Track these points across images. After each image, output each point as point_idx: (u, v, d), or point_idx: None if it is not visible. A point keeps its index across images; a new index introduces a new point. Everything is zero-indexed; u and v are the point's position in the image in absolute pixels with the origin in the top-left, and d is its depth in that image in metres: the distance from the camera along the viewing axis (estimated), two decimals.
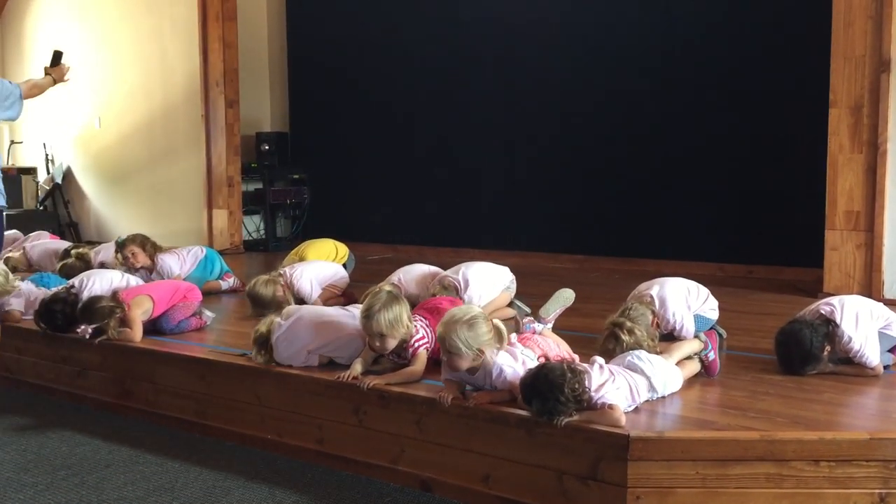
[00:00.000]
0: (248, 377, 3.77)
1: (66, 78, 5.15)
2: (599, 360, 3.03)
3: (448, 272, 4.70)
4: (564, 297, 3.89)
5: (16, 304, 4.90)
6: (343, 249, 5.85)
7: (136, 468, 3.49)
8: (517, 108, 7.56)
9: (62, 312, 4.53)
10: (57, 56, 5.02)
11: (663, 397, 3.13)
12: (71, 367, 4.53)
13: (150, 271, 5.62)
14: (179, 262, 5.67)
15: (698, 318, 3.86)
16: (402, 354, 3.50)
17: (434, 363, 3.44)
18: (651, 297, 3.80)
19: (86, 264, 5.85)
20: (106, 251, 6.14)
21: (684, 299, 3.85)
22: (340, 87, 8.82)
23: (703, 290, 3.99)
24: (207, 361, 3.97)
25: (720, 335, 4.06)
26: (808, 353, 3.40)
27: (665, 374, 3.14)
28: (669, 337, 3.69)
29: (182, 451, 3.66)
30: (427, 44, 8.11)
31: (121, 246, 5.69)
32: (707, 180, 6.63)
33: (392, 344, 3.42)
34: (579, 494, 2.81)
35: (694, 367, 3.40)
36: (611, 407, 2.82)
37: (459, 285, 4.53)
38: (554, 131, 7.38)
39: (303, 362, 3.65)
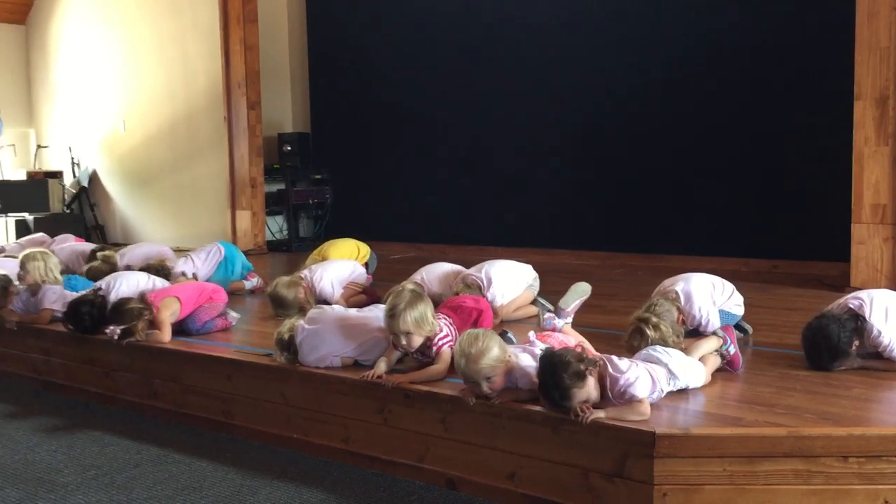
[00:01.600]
0: (274, 377, 3.79)
1: None
2: (616, 356, 3.02)
3: (471, 270, 4.70)
4: (582, 290, 3.89)
5: (51, 304, 4.96)
6: (365, 249, 5.87)
7: (164, 468, 3.52)
8: (538, 104, 7.54)
9: (89, 314, 4.58)
10: None
11: (686, 390, 3.12)
12: (99, 369, 4.58)
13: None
14: (190, 267, 5.69)
15: (724, 314, 3.83)
16: (426, 353, 3.51)
17: None
18: (676, 292, 3.79)
19: (111, 266, 5.91)
20: (131, 254, 6.20)
21: (709, 295, 3.83)
22: (361, 88, 8.84)
23: (729, 286, 3.96)
24: (233, 361, 4.00)
25: (745, 330, 4.04)
26: (836, 348, 3.37)
27: (683, 361, 3.14)
28: (695, 333, 3.67)
29: (209, 451, 3.70)
30: (447, 43, 8.12)
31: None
32: (731, 174, 6.59)
33: (417, 342, 3.44)
34: (605, 492, 2.80)
35: (716, 362, 3.38)
36: (638, 401, 2.82)
37: (482, 283, 4.53)
38: (575, 127, 7.36)
39: (327, 364, 3.67)
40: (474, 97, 7.96)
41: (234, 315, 4.77)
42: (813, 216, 6.17)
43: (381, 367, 3.47)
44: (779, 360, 3.62)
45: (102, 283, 4.98)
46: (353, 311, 3.97)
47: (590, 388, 2.85)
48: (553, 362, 2.88)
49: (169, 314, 4.42)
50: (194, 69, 9.29)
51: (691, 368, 3.16)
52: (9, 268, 5.68)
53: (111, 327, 4.36)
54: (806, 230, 6.23)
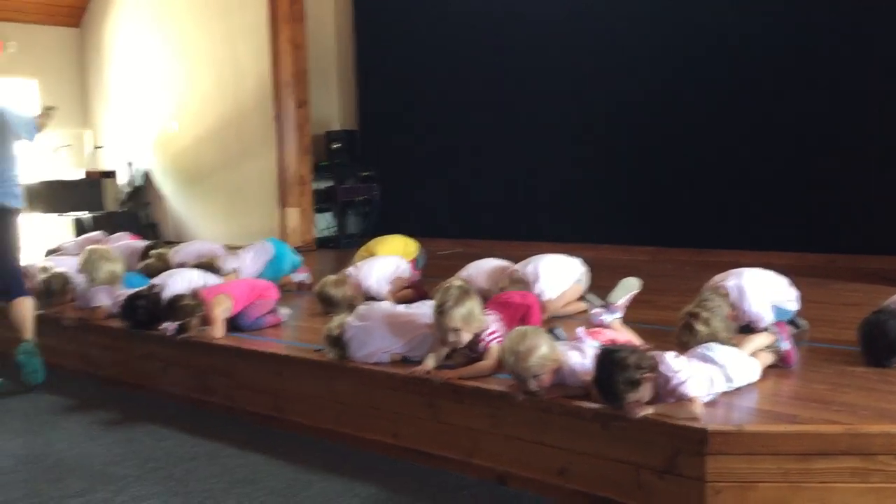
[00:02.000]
0: (324, 373, 3.84)
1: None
2: (671, 352, 2.99)
3: (518, 265, 4.69)
4: (630, 285, 3.86)
5: (102, 301, 5.08)
6: (413, 245, 5.89)
7: (219, 461, 3.59)
8: (585, 100, 7.49)
9: (144, 309, 4.69)
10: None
11: (740, 389, 3.07)
12: (154, 364, 4.69)
13: None
14: (238, 264, 5.79)
15: (777, 310, 3.77)
16: (475, 349, 3.52)
17: None
18: (728, 288, 3.73)
19: (165, 264, 6.03)
20: (184, 251, 6.32)
21: (762, 290, 3.77)
22: (408, 84, 8.88)
23: (783, 281, 3.89)
24: (284, 357, 4.06)
25: (799, 326, 3.96)
26: (894, 343, 3.29)
27: (740, 363, 3.09)
28: (747, 329, 3.62)
29: (262, 445, 3.76)
30: (493, 39, 8.10)
31: None
32: (785, 166, 6.45)
33: (466, 338, 3.45)
34: (657, 488, 2.78)
35: (768, 358, 3.33)
36: (690, 400, 2.78)
37: (529, 279, 4.52)
38: (623, 121, 7.29)
39: (376, 360, 3.70)
40: (521, 93, 7.93)
41: (284, 312, 4.83)
42: (872, 209, 6.02)
43: (430, 362, 3.49)
44: (835, 356, 3.55)
45: (157, 280, 5.09)
46: (401, 308, 4.00)
47: (643, 392, 2.82)
48: (611, 361, 2.83)
49: (221, 311, 4.50)
50: (243, 69, 9.42)
51: (747, 369, 3.11)
52: (66, 265, 5.84)
53: (166, 324, 4.45)
54: (864, 223, 6.08)
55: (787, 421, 2.78)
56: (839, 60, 6.12)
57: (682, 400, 2.79)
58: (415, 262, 5.65)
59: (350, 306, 4.41)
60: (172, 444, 3.85)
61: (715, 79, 6.72)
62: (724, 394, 3.01)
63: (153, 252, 6.31)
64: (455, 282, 3.90)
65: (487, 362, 3.43)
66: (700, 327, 3.30)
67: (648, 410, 2.79)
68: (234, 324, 4.57)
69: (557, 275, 4.60)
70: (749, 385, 3.12)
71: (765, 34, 6.46)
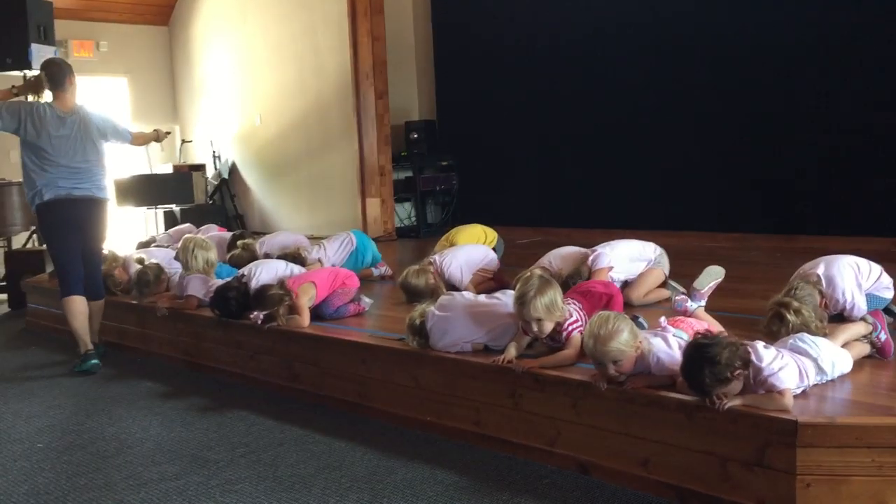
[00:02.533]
0: (407, 361, 3.89)
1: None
2: (761, 342, 2.92)
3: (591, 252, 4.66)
4: (716, 272, 3.79)
5: (195, 291, 5.26)
6: (492, 234, 5.91)
7: (306, 447, 3.69)
8: (666, 84, 7.35)
9: (235, 300, 4.84)
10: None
11: (833, 381, 2.99)
12: (244, 352, 4.83)
13: None
14: (321, 255, 5.89)
15: (871, 298, 3.64)
16: (556, 338, 3.51)
17: None
18: (818, 276, 3.63)
19: (251, 254, 6.20)
20: (270, 242, 6.48)
21: (854, 277, 3.65)
22: (486, 74, 8.87)
23: (876, 268, 3.76)
24: (367, 346, 4.13)
25: (895, 315, 3.82)
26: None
27: (833, 355, 3.00)
28: (839, 318, 3.51)
29: (347, 432, 3.84)
30: (570, 30, 8.03)
31: None
32: (877, 146, 6.20)
33: (548, 328, 3.44)
34: (744, 481, 2.73)
35: (863, 349, 3.22)
36: (780, 392, 2.71)
37: (602, 264, 4.48)
38: (705, 105, 7.12)
39: (458, 350, 3.74)
40: (599, 81, 7.83)
41: (367, 301, 4.91)
42: None
43: (512, 352, 3.50)
44: None
45: (245, 271, 5.24)
46: (482, 298, 4.02)
47: (732, 387, 2.76)
48: (701, 357, 2.76)
49: (307, 299, 4.60)
50: (324, 62, 9.57)
51: (840, 361, 3.02)
52: (160, 257, 6.06)
53: (255, 313, 4.59)
54: None
55: (882, 413, 2.70)
56: (868, 52, 5.84)
57: (772, 392, 2.73)
58: (493, 251, 5.67)
59: (433, 295, 4.45)
60: (261, 429, 3.97)
61: (805, 64, 6.50)
62: (817, 385, 2.93)
63: (240, 242, 6.49)
64: (535, 271, 3.90)
65: (569, 351, 3.42)
66: (791, 317, 3.22)
67: (736, 402, 2.73)
68: (316, 312, 4.67)
69: (628, 259, 4.55)
70: (842, 376, 3.04)
71: (840, 21, 6.22)
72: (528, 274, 3.71)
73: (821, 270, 3.66)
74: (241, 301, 4.82)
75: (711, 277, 3.76)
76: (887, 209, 6.18)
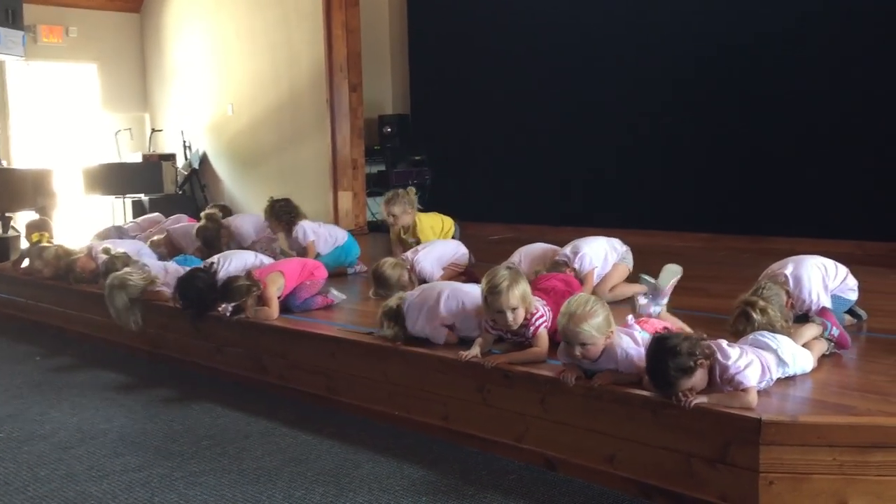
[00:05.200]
0: (376, 355, 3.88)
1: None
2: (725, 341, 2.95)
3: (562, 249, 4.68)
4: (674, 270, 3.83)
5: (164, 287, 5.19)
6: (448, 222, 5.94)
7: (272, 440, 3.66)
8: (638, 83, 7.39)
9: (198, 288, 4.75)
10: None
11: (794, 377, 3.03)
12: (210, 343, 4.79)
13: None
14: (314, 233, 5.88)
15: (836, 299, 3.70)
16: (522, 332, 3.51)
17: (554, 345, 3.44)
18: (785, 276, 3.67)
19: (217, 224, 6.13)
20: (237, 223, 6.41)
21: (821, 279, 3.69)
22: (460, 69, 8.86)
23: (842, 269, 3.81)
24: (337, 339, 4.11)
25: (859, 316, 3.88)
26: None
27: (793, 347, 3.06)
28: (804, 318, 3.55)
29: (314, 425, 3.82)
30: (545, 25, 8.04)
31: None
32: (843, 151, 6.29)
33: (521, 316, 3.42)
34: (708, 477, 2.76)
35: (821, 346, 3.27)
36: (745, 390, 2.74)
37: (569, 258, 4.50)
38: (676, 105, 7.18)
39: (431, 332, 3.73)
40: (572, 78, 7.86)
41: (336, 293, 4.88)
42: None
43: (476, 349, 3.50)
44: (894, 346, 3.47)
45: (214, 260, 5.18)
46: (461, 284, 4.06)
47: (696, 379, 2.79)
48: (663, 348, 2.80)
49: (276, 289, 4.56)
50: (297, 53, 9.51)
51: (800, 355, 3.07)
52: (127, 247, 5.97)
53: (223, 305, 4.54)
54: None
55: (844, 412, 2.74)
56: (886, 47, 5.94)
57: (738, 389, 2.76)
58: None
59: (402, 290, 4.44)
60: (227, 421, 3.94)
61: (773, 64, 6.57)
62: (780, 384, 2.97)
63: (203, 214, 6.40)
64: (501, 269, 3.90)
65: (539, 349, 3.42)
66: (756, 316, 3.25)
67: (701, 399, 2.76)
68: (284, 304, 4.62)
69: (598, 254, 4.57)
70: (805, 375, 3.08)
71: (818, 22, 6.30)
72: (496, 269, 3.72)
73: (788, 271, 3.71)
74: (203, 290, 4.70)
75: (671, 275, 3.80)
76: (853, 212, 6.28)
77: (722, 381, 2.79)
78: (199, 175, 10.96)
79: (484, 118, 8.68)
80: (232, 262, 5.09)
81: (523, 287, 3.42)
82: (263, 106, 10.09)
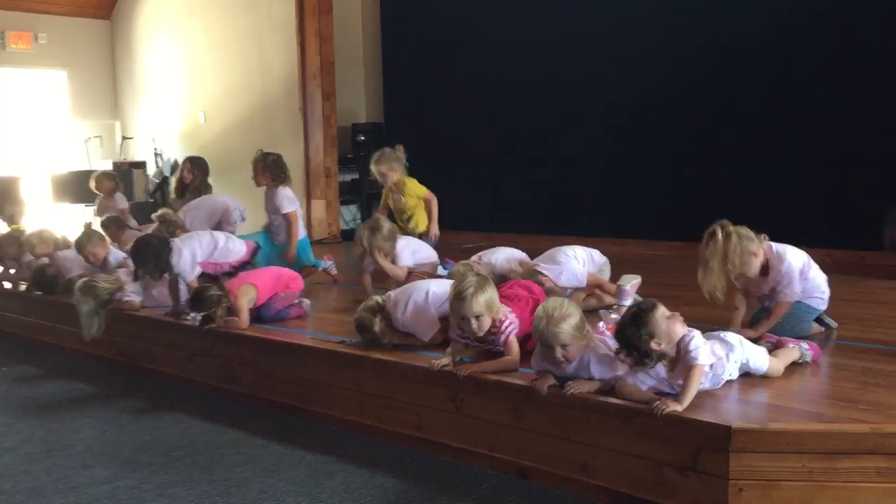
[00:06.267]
0: (348, 364, 3.86)
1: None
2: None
3: (538, 259, 4.69)
4: (632, 278, 3.93)
5: (133, 295, 5.13)
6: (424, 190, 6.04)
7: (243, 450, 3.63)
8: (612, 93, 7.45)
9: (154, 246, 4.83)
10: None
11: (765, 384, 3.06)
12: (181, 353, 4.74)
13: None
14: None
15: (803, 307, 3.73)
16: (490, 340, 3.49)
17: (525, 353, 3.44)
18: (770, 244, 3.72)
19: (171, 226, 6.07)
20: (195, 212, 6.37)
21: (803, 263, 3.75)
22: (434, 77, 8.87)
23: (822, 274, 3.84)
24: (308, 348, 4.09)
25: (828, 326, 3.93)
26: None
27: (740, 338, 3.14)
28: (761, 316, 3.62)
29: (286, 435, 3.79)
30: (521, 33, 8.07)
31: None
32: (814, 162, 6.37)
33: (487, 324, 3.40)
34: (679, 485, 2.77)
35: (791, 353, 3.30)
36: (692, 367, 2.82)
37: (546, 270, 4.51)
38: (650, 116, 7.24)
39: (421, 327, 3.78)
40: (547, 87, 7.90)
41: (306, 302, 4.84)
42: None
43: (445, 359, 3.49)
44: (863, 354, 3.51)
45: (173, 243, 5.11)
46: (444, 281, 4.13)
47: (661, 328, 2.85)
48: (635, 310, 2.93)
49: (247, 301, 4.53)
50: (270, 61, 9.47)
51: (752, 348, 3.14)
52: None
53: (192, 314, 4.50)
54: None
55: (813, 419, 2.76)
56: (875, 57, 6.02)
57: (688, 367, 2.83)
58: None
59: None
60: (197, 432, 3.89)
61: (742, 75, 6.65)
62: (749, 391, 3.00)
63: (155, 215, 6.32)
64: (470, 274, 3.90)
65: (511, 358, 3.41)
66: (720, 233, 3.53)
67: (676, 409, 2.75)
68: (257, 314, 4.59)
69: (579, 272, 4.58)
70: (775, 382, 3.11)
71: (789, 33, 6.38)
72: (462, 270, 3.74)
73: (775, 245, 3.76)
74: (162, 249, 4.80)
75: (631, 278, 3.90)
76: (824, 221, 6.35)
77: (679, 351, 2.87)
78: (171, 183, 10.86)
79: (457, 127, 8.69)
80: (186, 252, 5.03)
81: (490, 294, 3.40)
82: (236, 114, 10.03)
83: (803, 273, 3.72)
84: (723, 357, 3.01)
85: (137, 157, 11.30)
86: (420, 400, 3.55)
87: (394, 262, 4.96)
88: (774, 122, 6.54)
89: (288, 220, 5.81)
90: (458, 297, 3.38)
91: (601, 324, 3.36)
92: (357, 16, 9.53)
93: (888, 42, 5.93)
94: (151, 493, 3.20)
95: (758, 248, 3.62)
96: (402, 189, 5.82)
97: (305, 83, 8.96)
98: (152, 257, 4.79)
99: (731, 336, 3.14)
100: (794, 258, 3.72)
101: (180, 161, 10.81)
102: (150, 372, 4.94)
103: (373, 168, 5.83)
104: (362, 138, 9.26)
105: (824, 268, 3.90)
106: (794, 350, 3.31)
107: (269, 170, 5.89)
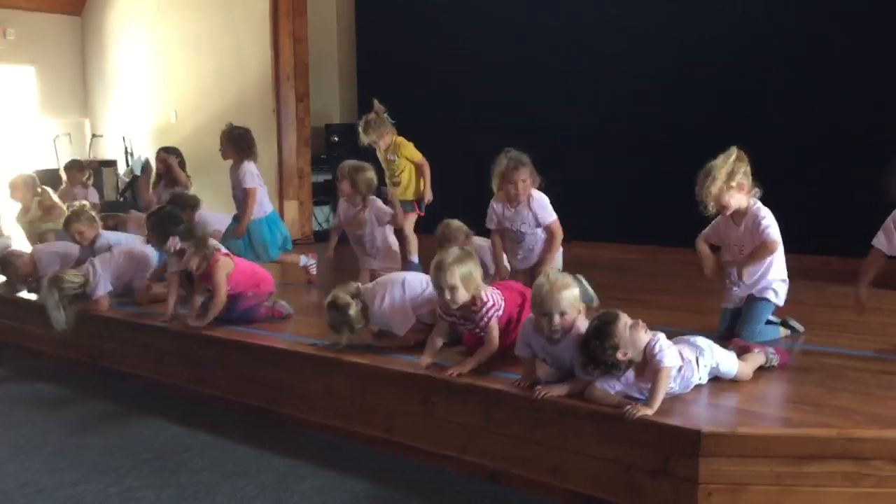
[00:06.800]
0: (319, 367, 3.84)
1: None
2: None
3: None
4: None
5: (102, 292, 5.07)
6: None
7: (212, 453, 3.59)
8: (584, 95, 7.48)
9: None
10: None
11: (733, 388, 3.09)
12: (150, 354, 4.69)
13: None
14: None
15: (758, 300, 3.79)
16: (471, 318, 3.51)
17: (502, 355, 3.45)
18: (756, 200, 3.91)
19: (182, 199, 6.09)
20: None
21: (783, 259, 3.89)
22: (408, 79, 8.85)
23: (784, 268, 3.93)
24: (280, 350, 4.06)
25: (795, 329, 3.98)
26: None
27: (710, 342, 3.17)
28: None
29: (256, 438, 3.76)
30: (495, 36, 8.08)
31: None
32: (780, 168, 6.43)
33: (462, 298, 3.42)
34: (649, 489, 2.79)
35: (757, 358, 3.33)
36: (659, 370, 2.85)
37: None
38: (624, 119, 7.27)
39: (397, 320, 3.80)
40: (521, 89, 7.91)
41: (283, 304, 4.78)
42: (870, 211, 6.00)
43: (426, 359, 3.50)
44: (829, 359, 3.55)
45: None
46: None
47: (625, 338, 2.87)
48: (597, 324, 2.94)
49: (224, 274, 4.48)
50: (244, 61, 9.40)
51: (720, 350, 3.18)
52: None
53: (175, 238, 4.54)
54: (861, 226, 6.05)
55: (781, 424, 2.80)
56: (840, 62, 6.11)
57: (655, 369, 2.85)
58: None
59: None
60: (167, 435, 3.85)
61: (713, 79, 6.71)
62: (718, 395, 3.02)
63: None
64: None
65: (490, 344, 3.44)
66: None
67: (647, 412, 2.77)
68: (227, 314, 4.52)
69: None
70: (743, 386, 3.13)
71: (756, 43, 6.46)
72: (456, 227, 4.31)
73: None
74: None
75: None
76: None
77: (646, 355, 2.89)
78: (142, 182, 10.74)
79: (431, 128, 8.65)
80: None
81: (469, 269, 3.43)
82: (208, 113, 9.95)
83: (781, 260, 3.88)
84: (692, 361, 3.04)
85: (107, 156, 11.16)
86: (391, 403, 3.55)
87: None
88: (743, 127, 6.59)
89: (245, 195, 5.72)
90: (437, 266, 3.44)
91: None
92: (332, 17, 9.49)
93: (847, 51, 6.02)
94: (118, 498, 3.16)
95: (750, 189, 3.88)
96: (398, 150, 5.86)
97: (279, 84, 8.91)
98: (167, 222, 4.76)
99: (700, 340, 3.17)
100: (771, 217, 3.94)
101: (152, 160, 10.73)
102: (118, 373, 4.87)
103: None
104: (336, 139, 9.22)
105: (794, 274, 3.95)
106: (760, 355, 3.35)
107: (235, 143, 5.80)
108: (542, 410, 3.05)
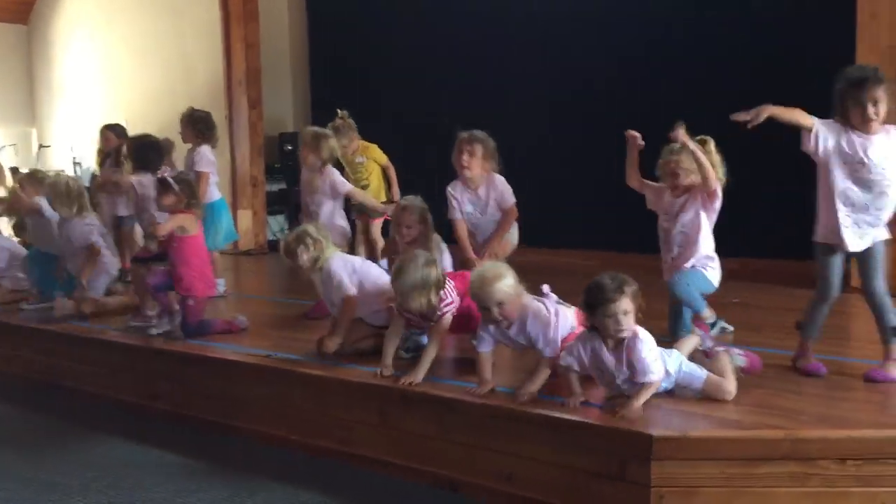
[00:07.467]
0: (273, 379, 3.81)
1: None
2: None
3: None
4: None
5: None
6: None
7: (164, 469, 3.54)
8: (545, 100, 7.53)
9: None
10: None
11: (694, 391, 3.13)
12: (101, 370, 4.60)
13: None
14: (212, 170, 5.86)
15: (695, 273, 3.95)
16: (429, 316, 3.52)
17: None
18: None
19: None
20: None
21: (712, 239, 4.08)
22: (362, 86, 8.82)
23: (716, 260, 4.10)
24: (233, 363, 4.02)
25: (724, 329, 4.04)
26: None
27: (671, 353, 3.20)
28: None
29: (210, 452, 3.71)
30: (450, 39, 8.09)
31: None
32: (732, 170, 6.53)
33: (427, 303, 3.44)
34: (603, 494, 2.81)
35: (692, 340, 3.38)
36: (648, 384, 2.91)
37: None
38: (581, 125, 7.33)
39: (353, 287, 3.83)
40: (479, 94, 7.92)
41: (242, 319, 4.71)
42: (815, 214, 6.12)
43: (388, 363, 3.51)
44: (778, 361, 3.61)
45: None
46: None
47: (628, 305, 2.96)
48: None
49: (177, 226, 4.41)
50: (194, 68, 9.30)
51: (685, 361, 3.20)
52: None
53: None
54: (811, 228, 6.17)
55: (731, 426, 2.83)
56: (782, 71, 6.24)
57: (643, 384, 2.89)
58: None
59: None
60: (118, 452, 3.79)
61: (659, 81, 6.80)
62: (669, 398, 3.06)
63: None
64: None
65: (435, 338, 3.48)
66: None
67: (632, 416, 2.83)
68: (183, 328, 4.46)
69: None
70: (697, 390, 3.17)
71: (713, 47, 6.57)
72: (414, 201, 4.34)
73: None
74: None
75: None
76: (735, 231, 6.46)
77: (627, 362, 2.91)
78: (90, 194, 10.54)
79: (385, 137, 8.63)
80: None
81: (430, 283, 3.43)
82: (158, 122, 9.78)
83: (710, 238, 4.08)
84: (669, 369, 3.06)
85: (55, 166, 10.93)
86: (347, 414, 3.53)
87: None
88: (696, 133, 6.70)
89: (198, 177, 5.65)
90: (396, 272, 3.47)
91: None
92: (284, 23, 9.42)
93: (794, 53, 6.15)
94: None
95: (707, 174, 4.13)
96: (365, 152, 5.84)
97: (231, 90, 8.82)
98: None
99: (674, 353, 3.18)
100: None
101: (98, 172, 10.54)
102: (69, 390, 4.77)
103: (333, 144, 5.78)
104: (289, 147, 9.14)
105: (738, 276, 4.02)
106: (694, 338, 3.39)
107: (194, 125, 5.77)
108: (496, 418, 3.06)
